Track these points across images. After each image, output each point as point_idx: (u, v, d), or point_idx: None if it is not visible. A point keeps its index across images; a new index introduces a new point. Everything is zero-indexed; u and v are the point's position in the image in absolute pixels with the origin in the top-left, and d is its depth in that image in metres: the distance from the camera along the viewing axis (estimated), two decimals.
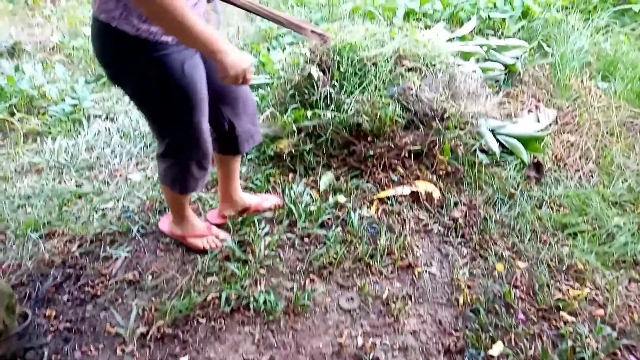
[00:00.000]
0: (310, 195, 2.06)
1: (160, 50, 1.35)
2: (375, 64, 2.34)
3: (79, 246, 1.82)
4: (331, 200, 2.02)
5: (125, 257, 1.78)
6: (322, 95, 2.29)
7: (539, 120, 2.43)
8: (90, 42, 1.57)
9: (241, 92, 1.69)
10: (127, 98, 2.93)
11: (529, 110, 2.51)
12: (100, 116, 2.76)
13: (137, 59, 1.36)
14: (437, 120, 2.20)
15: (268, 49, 3.24)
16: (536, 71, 2.82)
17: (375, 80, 2.28)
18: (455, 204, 2.03)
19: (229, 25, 3.71)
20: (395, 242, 1.80)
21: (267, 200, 2.01)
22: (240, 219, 1.92)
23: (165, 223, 1.89)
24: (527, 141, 2.27)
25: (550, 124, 2.43)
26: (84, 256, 1.78)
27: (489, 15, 3.08)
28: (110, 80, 1.49)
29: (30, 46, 3.49)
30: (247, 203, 1.94)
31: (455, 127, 2.19)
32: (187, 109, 1.47)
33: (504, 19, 3.08)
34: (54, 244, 1.83)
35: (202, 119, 1.53)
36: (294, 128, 2.25)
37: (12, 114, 2.73)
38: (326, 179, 2.15)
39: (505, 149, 2.27)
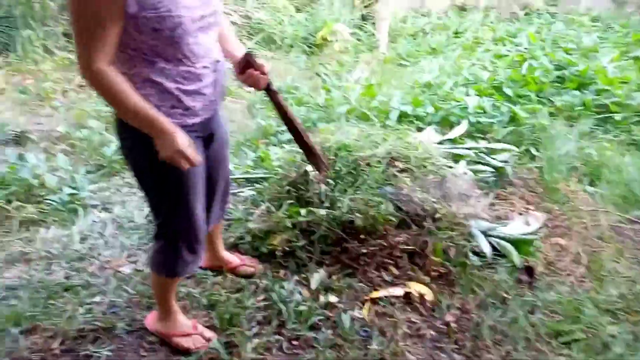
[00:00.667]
0: (301, 293, 2.03)
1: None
2: (369, 164, 2.41)
3: (61, 343, 1.77)
4: (322, 299, 1.99)
5: (107, 357, 1.72)
6: (317, 192, 2.34)
7: (529, 223, 2.46)
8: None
9: (223, 187, 1.81)
10: (124, 188, 3.00)
11: (519, 213, 2.56)
12: (96, 206, 2.79)
13: (135, 137, 1.42)
14: (429, 221, 2.24)
15: (267, 145, 3.35)
16: (525, 174, 2.91)
17: (369, 179, 2.34)
18: (448, 307, 2.00)
19: (231, 121, 3.87)
20: (387, 348, 1.75)
21: (245, 267, 2.16)
22: (227, 316, 1.88)
23: (152, 320, 1.85)
24: (518, 244, 2.28)
25: (540, 227, 2.46)
26: (64, 354, 1.72)
27: (478, 120, 3.23)
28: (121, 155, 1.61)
29: (36, 135, 3.60)
30: (227, 261, 2.15)
31: (447, 228, 2.22)
32: (179, 191, 1.53)
33: (492, 124, 3.23)
34: (34, 340, 1.77)
35: (195, 203, 1.58)
36: (288, 224, 2.28)
37: (10, 202, 2.75)
38: (318, 276, 2.14)
39: (496, 251, 2.28)
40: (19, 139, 3.58)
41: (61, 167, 3.06)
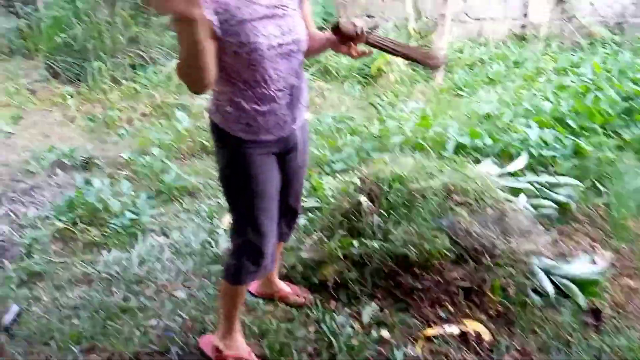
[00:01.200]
0: (352, 326, 2.00)
1: (235, 143, 1.60)
2: (424, 196, 2.36)
3: None
4: (374, 334, 1.95)
5: None
6: (370, 223, 2.31)
7: (595, 262, 2.32)
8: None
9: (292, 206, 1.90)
10: (182, 214, 3.09)
11: (585, 251, 2.42)
12: (155, 231, 2.88)
13: (221, 144, 1.65)
14: (487, 257, 2.15)
15: (320, 174, 3.37)
16: (590, 210, 2.76)
17: (424, 212, 2.29)
18: (507, 348, 1.90)
19: None
20: None
21: (296, 297, 2.17)
22: (278, 346, 1.87)
23: (207, 340, 1.89)
24: (583, 284, 2.16)
25: (607, 267, 2.31)
26: None
27: (540, 153, 3.11)
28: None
29: (102, 161, 3.79)
30: (277, 289, 2.17)
31: (506, 265, 2.13)
32: (249, 202, 1.65)
33: (555, 157, 3.10)
34: None
35: (263, 218, 1.67)
36: (340, 255, 2.26)
37: (75, 224, 2.89)
38: (370, 310, 2.10)
39: (559, 290, 2.15)
40: (87, 164, 3.77)
41: (124, 192, 3.19)
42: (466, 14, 6.48)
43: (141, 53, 5.48)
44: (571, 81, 4.73)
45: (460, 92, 5.11)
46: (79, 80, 5.22)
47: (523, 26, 6.47)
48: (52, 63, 5.31)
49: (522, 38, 6.51)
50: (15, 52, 5.74)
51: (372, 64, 5.68)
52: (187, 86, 1.38)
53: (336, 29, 1.61)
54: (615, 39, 6.36)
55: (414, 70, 5.73)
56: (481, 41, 6.55)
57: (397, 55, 1.77)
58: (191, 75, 1.34)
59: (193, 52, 1.27)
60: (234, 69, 1.51)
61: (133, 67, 5.36)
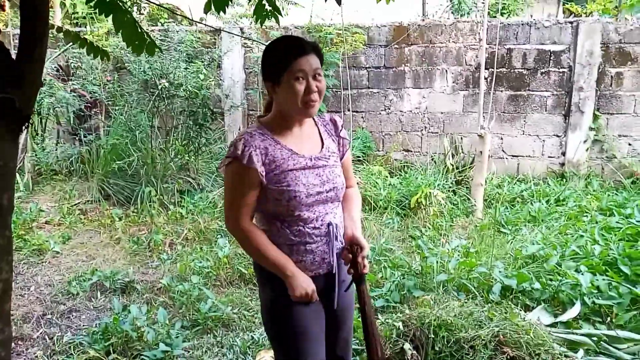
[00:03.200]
0: None
1: (277, 281, 1.65)
2: (473, 347, 2.23)
3: None
4: None
5: None
6: None
7: None
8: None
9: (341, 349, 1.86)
10: (215, 348, 2.98)
11: None
12: None
13: (263, 281, 1.74)
14: None
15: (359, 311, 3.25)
16: None
17: None
18: None
19: None
20: None
21: None
22: None
23: None
24: None
25: None
26: None
27: (593, 301, 2.94)
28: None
29: (141, 285, 3.80)
30: None
31: None
32: (292, 344, 1.66)
33: (611, 306, 2.91)
34: None
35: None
36: None
37: (108, 354, 2.82)
38: None
39: None
40: (126, 288, 3.78)
41: (160, 320, 3.14)
42: (503, 151, 6.62)
43: (190, 180, 5.75)
44: (617, 222, 4.61)
45: (501, 229, 5.03)
46: (128, 203, 5.45)
47: (562, 164, 6.52)
48: (106, 185, 5.61)
49: (562, 176, 6.52)
50: (73, 174, 6.12)
51: (411, 196, 5.75)
52: (238, 239, 1.69)
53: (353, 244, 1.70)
54: None
55: (453, 204, 5.74)
56: (520, 177, 6.60)
57: (362, 318, 1.75)
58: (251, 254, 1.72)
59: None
60: (273, 211, 1.63)
61: (181, 192, 5.59)
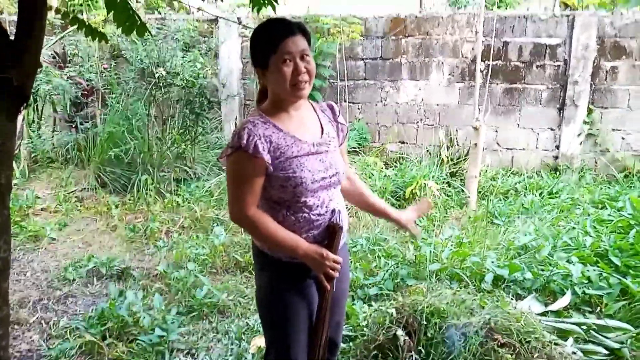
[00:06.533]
0: None
1: (275, 266, 1.69)
2: (464, 334, 2.27)
3: None
4: None
5: None
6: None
7: None
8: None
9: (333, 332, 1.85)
10: (210, 334, 3.02)
11: None
12: (182, 350, 2.81)
13: (261, 267, 1.76)
14: None
15: (352, 299, 3.29)
16: None
17: (465, 351, 2.18)
18: None
19: None
20: None
21: None
22: None
23: None
24: None
25: None
26: None
27: (584, 291, 2.99)
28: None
29: (137, 272, 3.82)
30: None
31: None
32: (284, 330, 1.68)
33: (601, 296, 2.96)
34: None
35: (298, 350, 1.67)
36: None
37: (104, 338, 2.85)
38: None
39: None
40: (122, 274, 3.81)
41: (156, 306, 3.17)
42: (498, 144, 6.66)
43: (186, 168, 5.76)
44: (609, 215, 4.67)
45: (495, 220, 5.08)
46: (125, 191, 5.46)
47: (555, 157, 6.57)
48: (102, 173, 5.61)
49: (555, 169, 6.58)
50: (70, 161, 6.11)
51: (406, 187, 5.78)
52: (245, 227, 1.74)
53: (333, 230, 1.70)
54: None
55: (447, 195, 5.79)
56: (514, 170, 6.64)
57: (317, 316, 1.72)
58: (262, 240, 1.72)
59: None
60: (278, 198, 1.64)
61: (178, 181, 5.61)
